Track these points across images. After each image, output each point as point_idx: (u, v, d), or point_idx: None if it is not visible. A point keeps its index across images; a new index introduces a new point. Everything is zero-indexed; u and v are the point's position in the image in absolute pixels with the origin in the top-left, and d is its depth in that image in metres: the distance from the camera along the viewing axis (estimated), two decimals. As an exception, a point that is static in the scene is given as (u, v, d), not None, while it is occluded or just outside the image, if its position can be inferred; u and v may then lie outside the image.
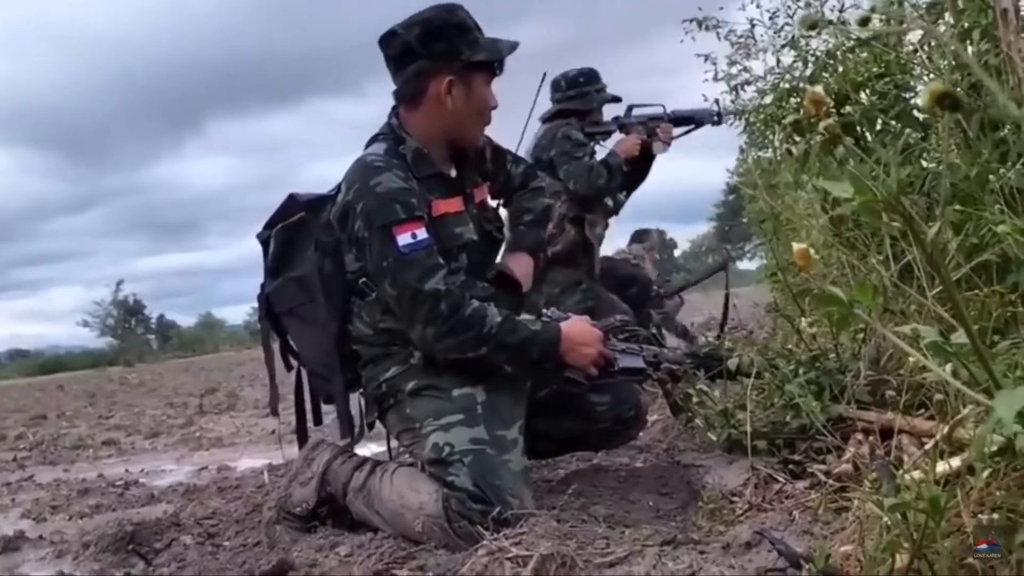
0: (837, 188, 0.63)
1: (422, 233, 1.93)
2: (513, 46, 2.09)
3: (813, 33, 2.63)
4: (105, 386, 12.54)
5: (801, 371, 2.02)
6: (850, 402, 1.91)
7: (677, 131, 4.13)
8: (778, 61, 3.21)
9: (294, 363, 2.34)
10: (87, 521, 2.70)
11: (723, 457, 2.10)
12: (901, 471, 1.31)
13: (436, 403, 1.98)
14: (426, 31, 2.01)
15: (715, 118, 4.13)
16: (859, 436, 1.79)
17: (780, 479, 1.82)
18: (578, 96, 4.00)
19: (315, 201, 2.19)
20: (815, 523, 1.51)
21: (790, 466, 1.87)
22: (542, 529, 1.62)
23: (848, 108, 2.54)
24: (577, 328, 2.06)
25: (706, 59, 4.03)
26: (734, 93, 4.19)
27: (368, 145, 2.14)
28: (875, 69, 2.49)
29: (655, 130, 4.02)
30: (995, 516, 1.06)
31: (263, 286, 2.30)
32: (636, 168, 4.05)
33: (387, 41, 2.06)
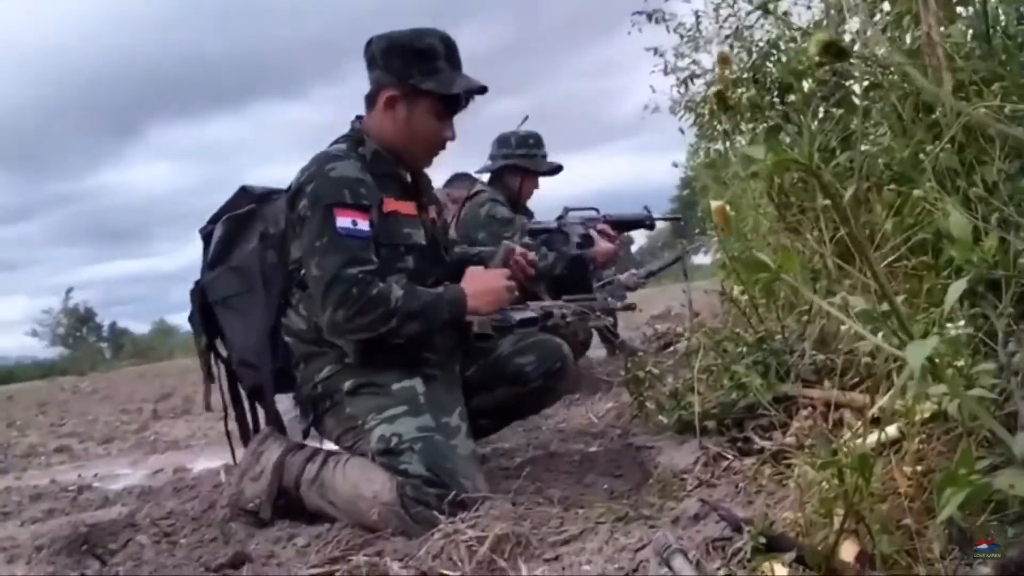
0: (754, 151, 0.66)
1: (363, 224, 1.97)
2: (475, 87, 2.14)
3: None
4: (57, 395, 12.19)
5: (747, 352, 2.07)
6: (796, 380, 1.96)
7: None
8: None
9: (218, 364, 2.36)
10: (40, 526, 2.65)
11: (674, 438, 2.14)
12: (840, 440, 1.36)
13: (377, 399, 2.00)
14: (389, 47, 2.11)
15: (648, 222, 4.26)
16: (804, 412, 1.85)
17: (729, 456, 1.86)
18: (527, 156, 4.01)
19: (267, 193, 2.25)
20: (760, 493, 1.56)
21: (738, 443, 1.92)
22: (497, 511, 1.64)
23: (791, 97, 2.60)
24: (477, 279, 2.11)
25: (655, 52, 4.11)
26: (683, 86, 4.27)
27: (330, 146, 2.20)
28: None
29: (592, 229, 4.00)
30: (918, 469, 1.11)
31: (198, 281, 2.31)
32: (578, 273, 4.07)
33: (366, 45, 2.15)
